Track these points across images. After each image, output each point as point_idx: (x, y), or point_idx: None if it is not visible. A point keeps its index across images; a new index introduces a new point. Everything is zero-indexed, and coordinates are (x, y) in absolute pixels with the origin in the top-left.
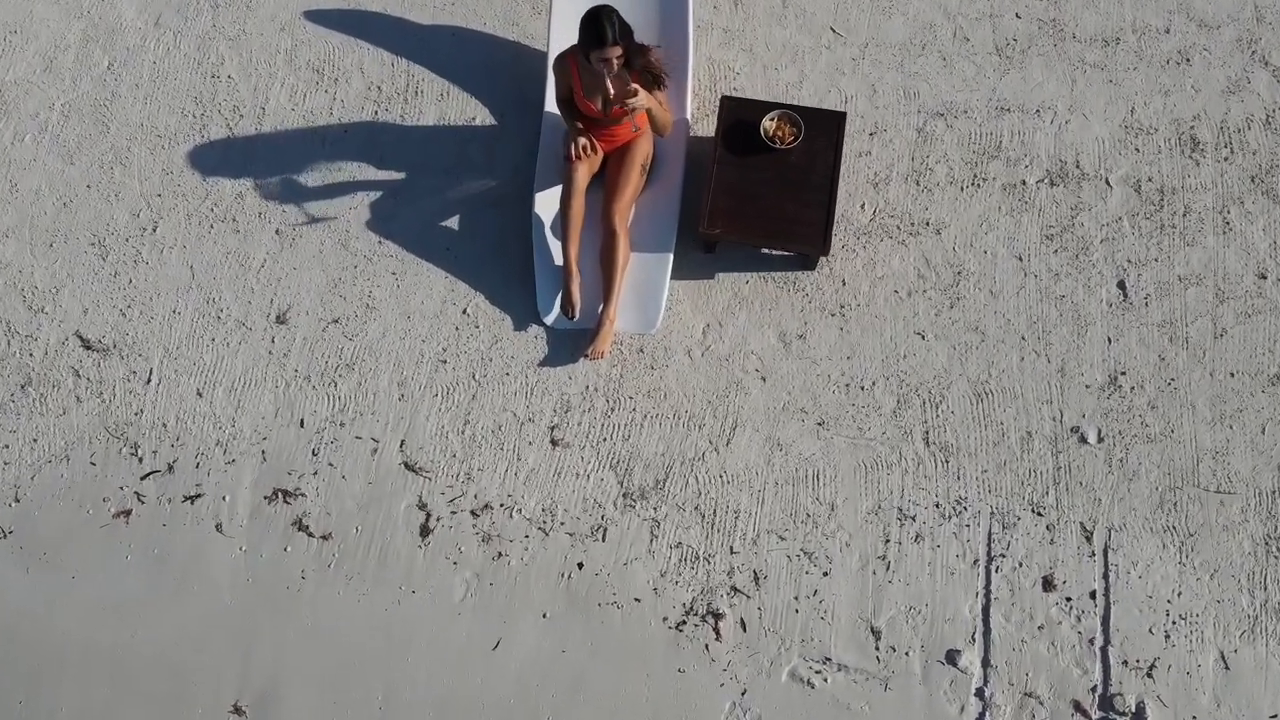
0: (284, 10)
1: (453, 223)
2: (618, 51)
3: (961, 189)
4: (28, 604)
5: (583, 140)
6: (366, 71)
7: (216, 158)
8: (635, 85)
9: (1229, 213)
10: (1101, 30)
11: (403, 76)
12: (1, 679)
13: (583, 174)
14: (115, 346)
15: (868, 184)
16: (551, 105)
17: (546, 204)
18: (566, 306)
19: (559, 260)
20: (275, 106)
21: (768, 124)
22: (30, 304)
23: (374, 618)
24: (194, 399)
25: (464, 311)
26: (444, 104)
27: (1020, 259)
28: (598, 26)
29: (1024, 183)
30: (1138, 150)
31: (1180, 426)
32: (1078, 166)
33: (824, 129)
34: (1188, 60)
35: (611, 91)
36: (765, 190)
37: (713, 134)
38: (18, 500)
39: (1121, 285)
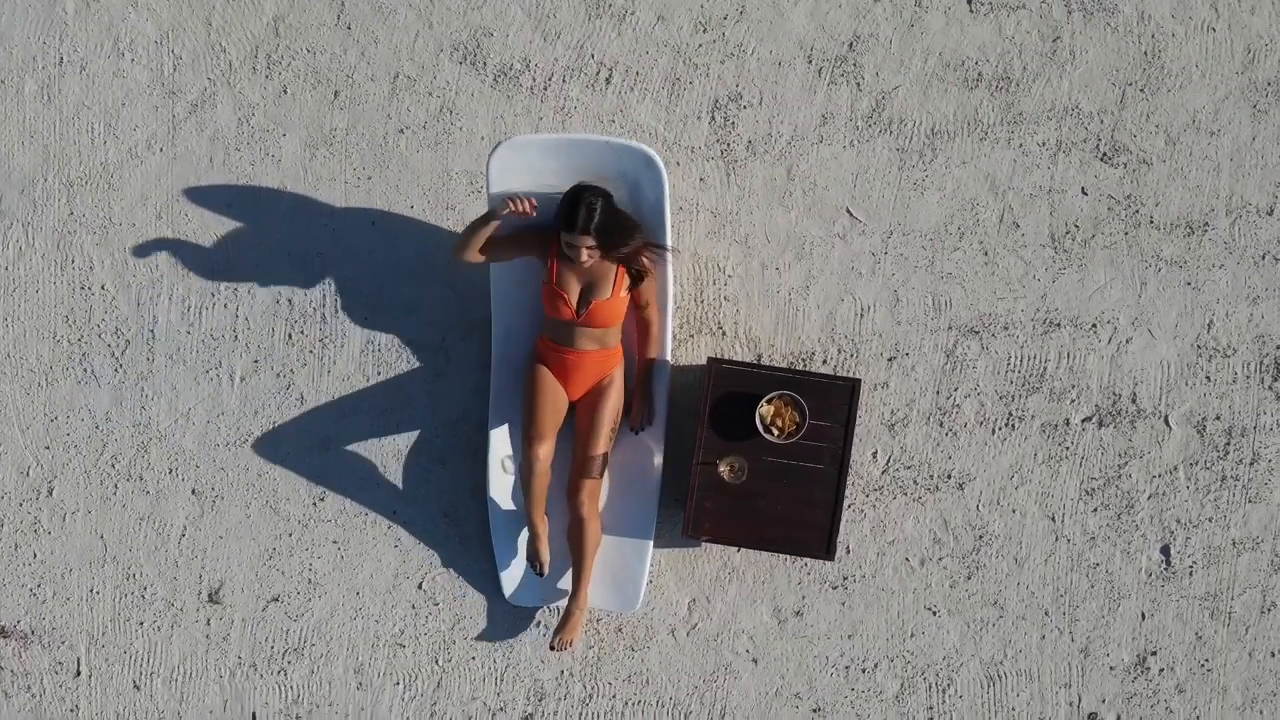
0: (156, 188)
1: (396, 481)
2: (588, 243)
3: (993, 431)
4: None
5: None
6: (273, 279)
7: (107, 399)
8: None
9: None
10: (1188, 212)
11: (317, 286)
12: None
13: (544, 454)
14: (34, 633)
15: (882, 426)
16: (504, 334)
17: (502, 465)
18: (535, 563)
19: (521, 535)
20: (166, 328)
21: (765, 409)
22: None
23: None
24: (132, 692)
25: (419, 586)
26: (370, 326)
27: (1053, 519)
28: (571, 207)
29: (1067, 423)
30: (1208, 379)
31: (1207, 713)
32: (1134, 401)
33: (834, 403)
34: None
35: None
36: (760, 487)
37: (695, 362)
38: None
39: (1165, 551)
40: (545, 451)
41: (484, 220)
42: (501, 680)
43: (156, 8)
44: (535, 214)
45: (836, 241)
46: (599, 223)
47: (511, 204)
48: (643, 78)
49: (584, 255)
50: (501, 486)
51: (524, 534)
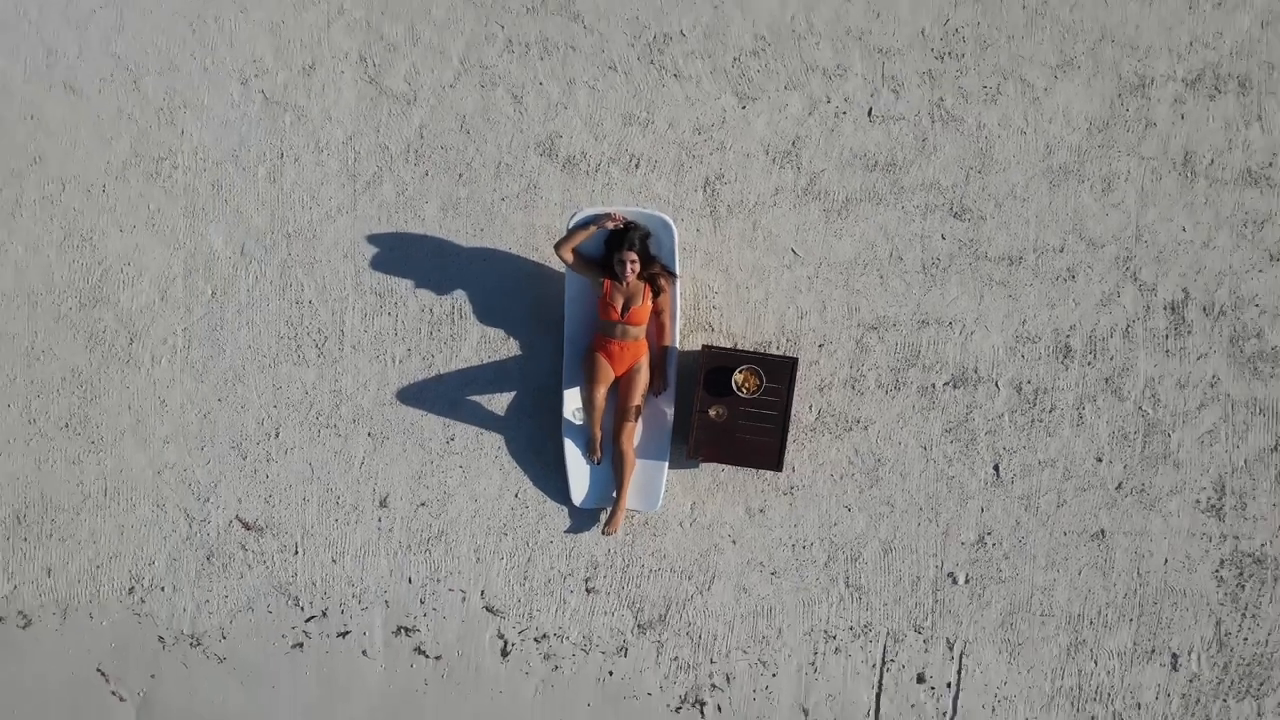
0: (345, 238)
1: (500, 427)
2: (632, 258)
3: (886, 392)
4: (248, 708)
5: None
6: (419, 295)
7: (313, 375)
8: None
9: (1083, 409)
10: (1009, 250)
11: (448, 300)
12: None
13: (600, 395)
14: (268, 527)
15: (815, 389)
16: (572, 333)
17: (573, 416)
18: (592, 454)
19: (584, 451)
20: (351, 329)
21: (737, 376)
22: (199, 495)
23: (479, 712)
24: (330, 565)
25: (515, 495)
26: (484, 325)
27: (925, 449)
28: (624, 234)
29: (934, 386)
30: (1023, 357)
31: (1023, 571)
32: (975, 371)
33: (781, 372)
34: (1073, 276)
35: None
36: (736, 426)
37: (697, 348)
38: (225, 638)
39: (996, 469)
40: (600, 394)
41: (583, 226)
42: (570, 556)
43: (344, 120)
44: (622, 224)
45: (785, 270)
46: (641, 246)
47: (609, 218)
48: (659, 164)
49: (629, 269)
50: (572, 431)
51: (583, 473)
